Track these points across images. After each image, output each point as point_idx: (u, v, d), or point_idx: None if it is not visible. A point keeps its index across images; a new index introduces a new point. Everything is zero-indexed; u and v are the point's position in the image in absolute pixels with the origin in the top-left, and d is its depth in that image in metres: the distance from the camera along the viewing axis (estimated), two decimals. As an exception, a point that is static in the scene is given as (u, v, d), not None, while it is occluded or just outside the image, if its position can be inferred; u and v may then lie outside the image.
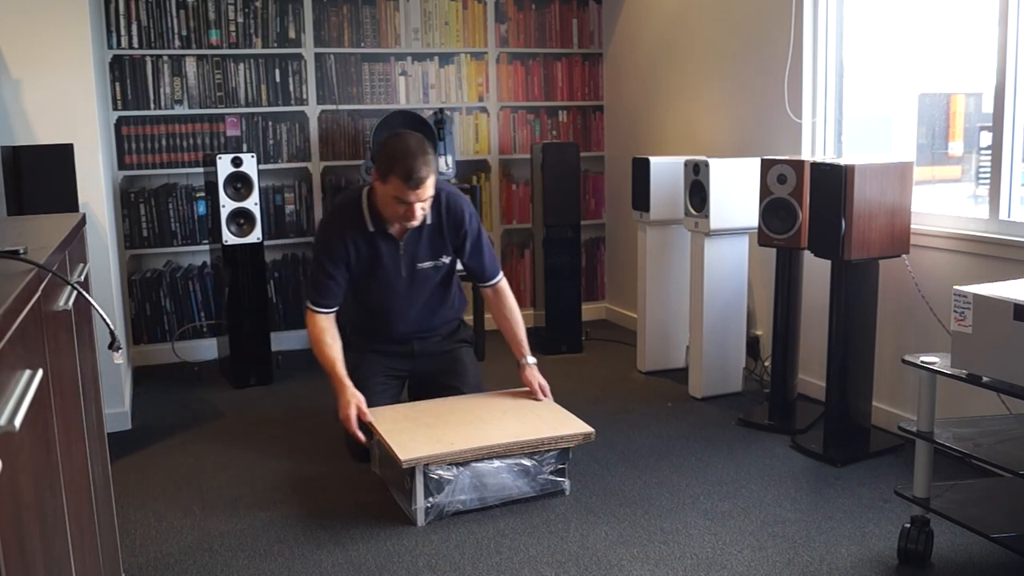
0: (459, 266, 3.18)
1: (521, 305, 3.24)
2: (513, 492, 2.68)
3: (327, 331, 2.97)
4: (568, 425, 2.79)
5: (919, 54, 3.43)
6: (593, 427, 2.77)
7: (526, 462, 2.68)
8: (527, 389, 3.05)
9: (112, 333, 1.56)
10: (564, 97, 5.10)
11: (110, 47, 4.29)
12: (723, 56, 4.08)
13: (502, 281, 3.17)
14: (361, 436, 2.80)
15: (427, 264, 3.06)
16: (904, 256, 3.01)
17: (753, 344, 3.94)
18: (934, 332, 3.02)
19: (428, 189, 2.81)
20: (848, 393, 3.00)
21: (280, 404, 3.80)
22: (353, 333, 3.18)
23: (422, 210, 2.85)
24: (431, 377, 3.20)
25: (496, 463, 2.64)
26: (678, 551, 2.41)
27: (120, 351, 1.63)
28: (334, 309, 3.02)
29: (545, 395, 3.03)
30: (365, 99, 4.71)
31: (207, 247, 4.51)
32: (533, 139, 5.03)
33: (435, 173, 2.84)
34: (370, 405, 2.90)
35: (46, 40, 3.25)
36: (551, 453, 2.71)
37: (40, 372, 1.08)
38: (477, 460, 2.61)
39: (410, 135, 2.87)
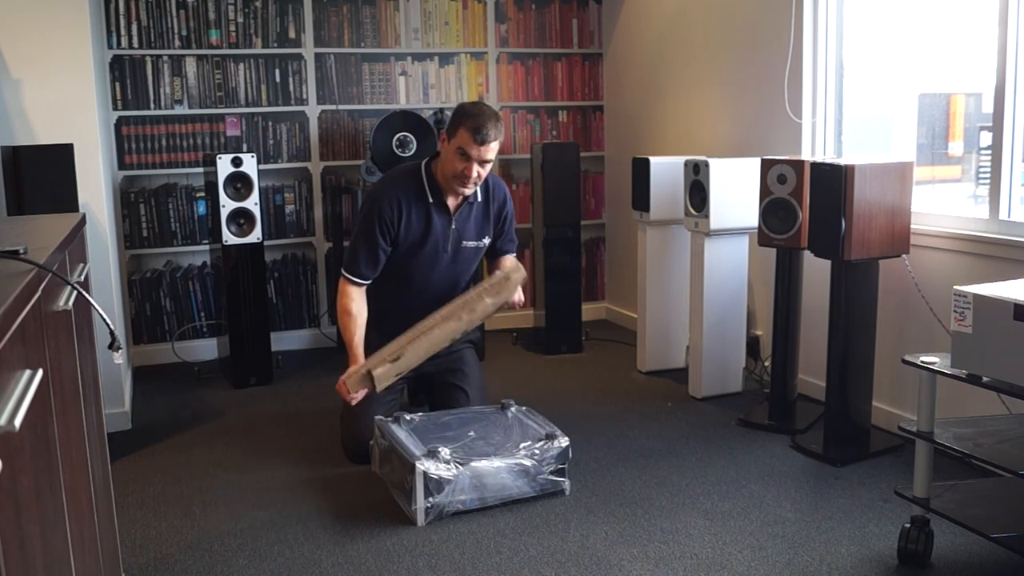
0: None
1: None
2: (513, 492, 2.68)
3: (355, 301, 3.00)
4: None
5: (919, 54, 3.43)
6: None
7: (526, 462, 2.68)
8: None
9: (112, 333, 1.56)
10: (564, 97, 5.10)
11: (110, 47, 4.29)
12: (723, 56, 4.08)
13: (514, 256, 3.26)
14: (351, 399, 2.87)
15: (471, 243, 3.11)
16: (904, 256, 3.01)
17: (753, 344, 3.94)
18: (934, 332, 3.02)
19: (490, 152, 2.89)
20: (848, 393, 3.00)
21: (280, 404, 3.80)
22: (372, 329, 3.09)
23: (479, 176, 2.93)
24: (435, 376, 3.20)
25: (496, 463, 2.64)
26: (678, 551, 2.41)
27: (120, 351, 1.63)
28: (368, 282, 3.04)
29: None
30: (365, 99, 4.71)
31: (207, 247, 4.51)
32: (533, 139, 5.03)
33: (500, 143, 2.94)
34: (375, 412, 2.93)
35: (46, 40, 3.25)
36: (551, 453, 2.72)
37: (40, 372, 1.08)
38: (476, 459, 2.61)
39: (488, 105, 2.99)
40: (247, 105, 4.52)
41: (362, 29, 4.68)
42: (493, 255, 3.25)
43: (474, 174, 2.91)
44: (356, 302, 3.00)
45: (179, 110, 4.42)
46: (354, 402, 2.88)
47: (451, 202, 3.04)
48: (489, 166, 2.95)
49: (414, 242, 3.02)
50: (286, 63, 4.56)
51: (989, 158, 2.91)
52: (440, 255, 3.06)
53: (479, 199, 3.08)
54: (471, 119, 2.86)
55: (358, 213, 3.21)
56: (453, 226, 3.05)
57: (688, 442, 3.23)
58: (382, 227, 2.97)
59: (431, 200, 3.01)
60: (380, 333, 3.03)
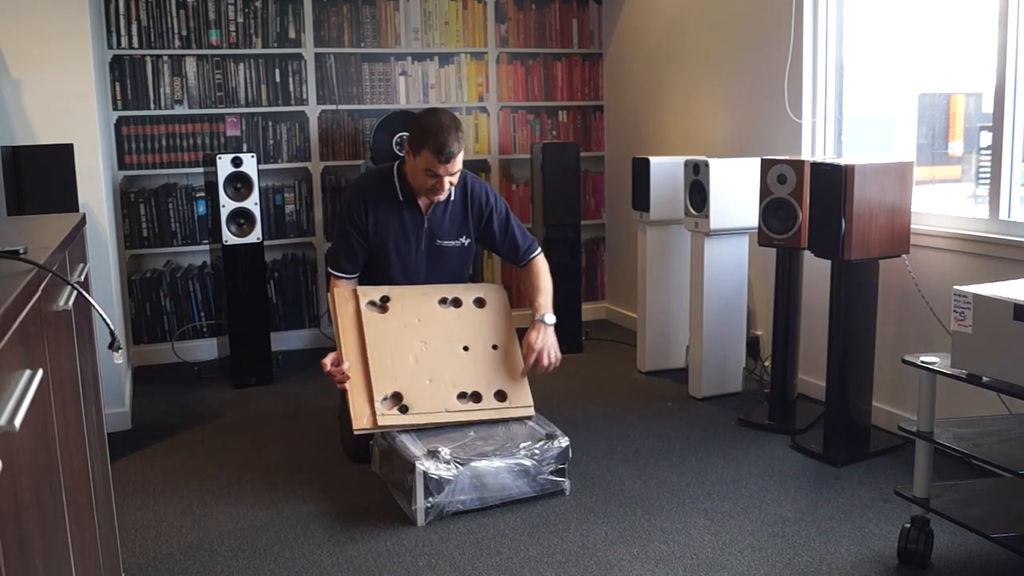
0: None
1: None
2: (513, 492, 2.68)
3: (344, 295, 3.01)
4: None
5: (919, 54, 3.43)
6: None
7: (526, 462, 2.68)
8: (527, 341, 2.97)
9: (112, 333, 1.56)
10: (564, 97, 5.10)
11: (110, 47, 4.29)
12: (723, 56, 4.08)
13: (540, 255, 3.18)
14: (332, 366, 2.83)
15: (447, 243, 3.12)
16: (904, 256, 3.01)
17: (753, 344, 3.94)
18: (934, 332, 3.02)
19: (457, 164, 2.93)
20: (848, 393, 3.00)
21: (280, 404, 3.80)
22: None
23: (451, 184, 2.97)
24: None
25: (496, 463, 2.64)
26: (678, 551, 2.41)
27: (120, 351, 1.63)
28: (355, 276, 3.09)
29: (539, 361, 2.93)
30: (365, 99, 4.71)
31: (207, 247, 4.51)
32: (533, 139, 5.03)
33: (464, 149, 2.95)
34: None
35: (46, 40, 3.25)
36: (551, 453, 2.72)
37: (40, 372, 1.08)
38: (476, 459, 2.61)
39: (443, 111, 2.98)
40: (247, 105, 4.52)
41: (362, 29, 4.68)
42: (515, 257, 3.17)
43: (446, 185, 2.94)
44: (344, 294, 3.04)
45: (179, 110, 4.42)
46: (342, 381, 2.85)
47: (423, 201, 3.07)
48: (459, 172, 2.97)
49: (385, 238, 3.07)
50: (286, 63, 4.56)
51: (989, 158, 2.91)
52: (413, 252, 3.09)
53: (454, 197, 3.10)
54: (432, 138, 2.84)
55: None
56: (426, 224, 3.07)
57: (688, 442, 3.23)
58: (352, 223, 3.05)
59: (401, 199, 3.06)
60: None
